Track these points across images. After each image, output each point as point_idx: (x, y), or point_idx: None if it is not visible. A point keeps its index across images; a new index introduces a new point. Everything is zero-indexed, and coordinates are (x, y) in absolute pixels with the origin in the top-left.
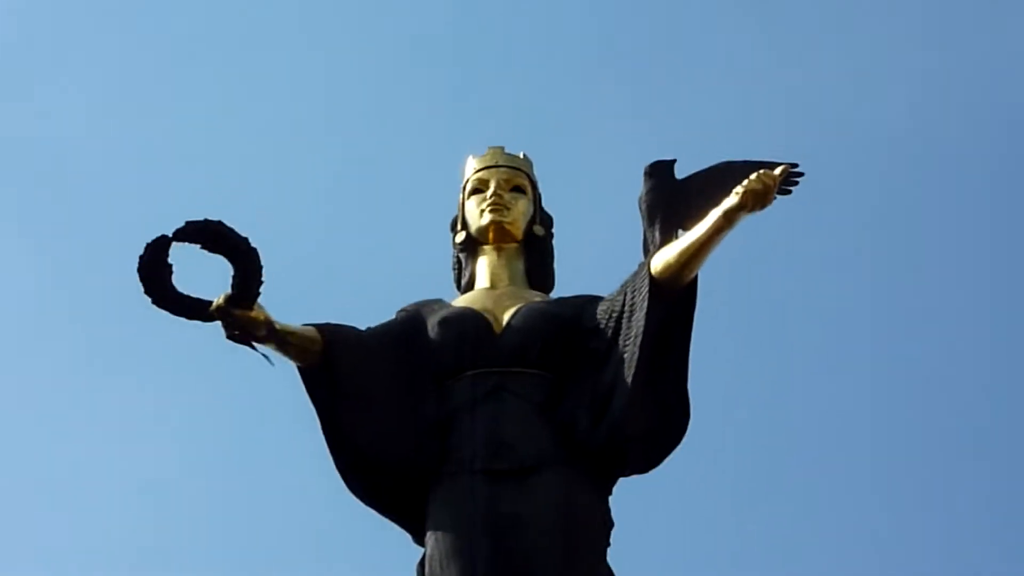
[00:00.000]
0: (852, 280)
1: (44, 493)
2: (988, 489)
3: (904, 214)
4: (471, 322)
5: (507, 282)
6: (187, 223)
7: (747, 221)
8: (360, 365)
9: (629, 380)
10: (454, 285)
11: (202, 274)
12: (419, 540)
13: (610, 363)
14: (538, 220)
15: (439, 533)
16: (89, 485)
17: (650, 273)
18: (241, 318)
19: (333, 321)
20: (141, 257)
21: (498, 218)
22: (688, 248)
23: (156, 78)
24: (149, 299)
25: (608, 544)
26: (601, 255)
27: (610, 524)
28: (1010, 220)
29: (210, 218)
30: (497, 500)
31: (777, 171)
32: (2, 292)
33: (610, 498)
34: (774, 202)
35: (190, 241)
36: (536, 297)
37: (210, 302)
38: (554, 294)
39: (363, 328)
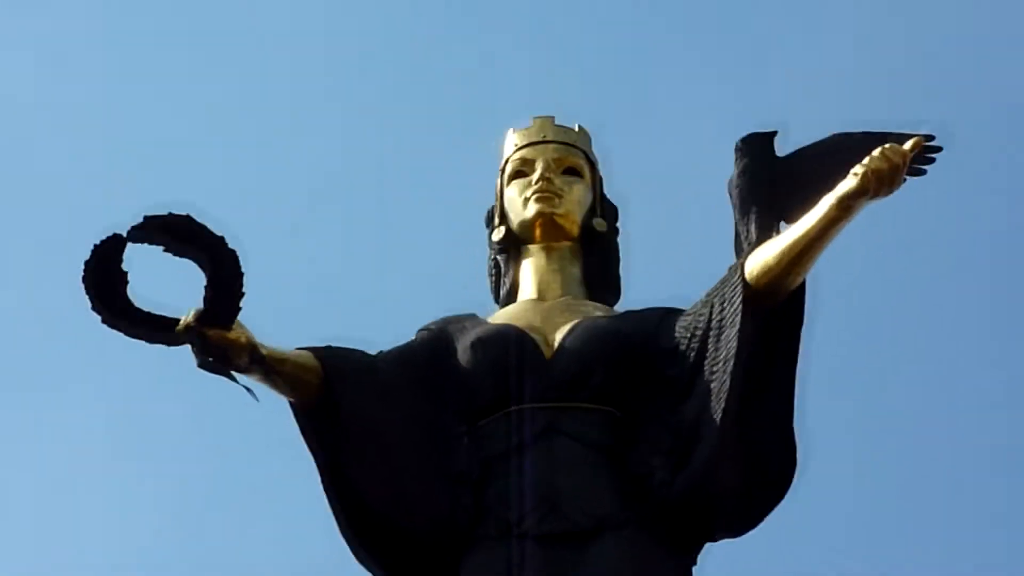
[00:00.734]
0: (999, 282)
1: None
2: None
3: None
4: (513, 343)
5: (559, 291)
6: (146, 218)
7: (869, 209)
8: (371, 401)
9: (718, 418)
10: (491, 295)
11: (167, 283)
12: None
13: (693, 396)
14: (599, 211)
15: None
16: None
17: (744, 278)
18: (217, 340)
19: (335, 344)
20: (87, 263)
21: (547, 209)
22: (793, 246)
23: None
24: (98, 316)
25: None
26: (681, 256)
27: None
28: None
29: (176, 211)
30: (550, 572)
31: (908, 145)
32: None
33: (694, 568)
34: (903, 185)
35: (150, 242)
36: (597, 311)
37: (177, 320)
38: (620, 307)
39: (373, 353)
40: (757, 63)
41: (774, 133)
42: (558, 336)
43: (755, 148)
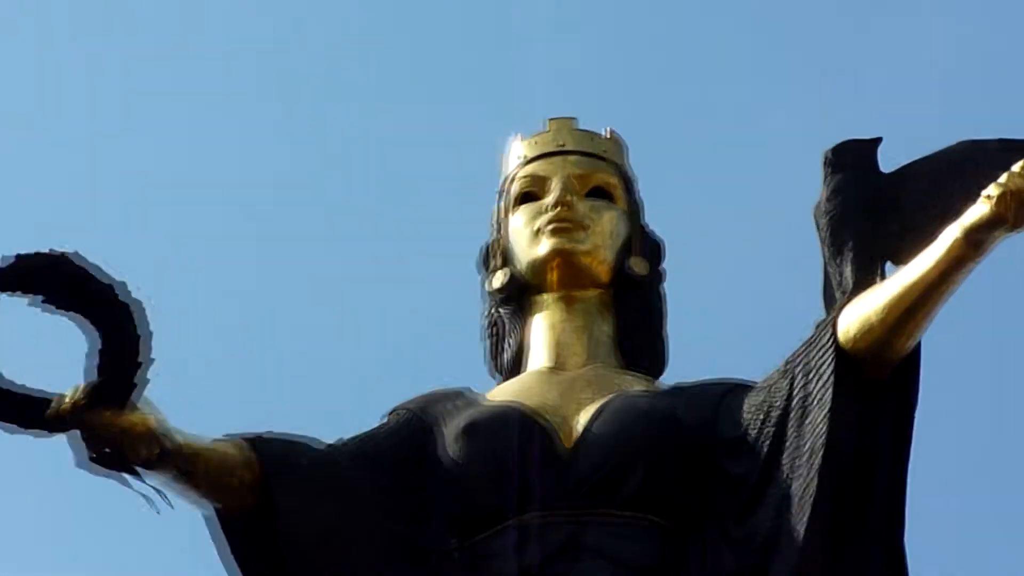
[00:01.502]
0: None
1: None
2: None
3: None
4: (520, 430)
5: (583, 358)
6: (16, 258)
7: (1006, 245)
8: (325, 509)
9: (801, 532)
10: (488, 363)
11: (45, 348)
12: None
13: (766, 502)
14: (637, 248)
15: None
16: None
17: (836, 340)
18: (107, 427)
19: (275, 430)
20: None
21: (567, 244)
22: (903, 296)
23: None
24: None
25: None
26: (748, 309)
27: None
28: None
29: (57, 249)
30: None
31: None
32: None
33: None
34: None
35: (20, 290)
36: (635, 384)
37: (57, 398)
38: (667, 379)
39: (328, 443)
40: (841, 53)
41: (877, 141)
42: (581, 420)
43: (851, 162)
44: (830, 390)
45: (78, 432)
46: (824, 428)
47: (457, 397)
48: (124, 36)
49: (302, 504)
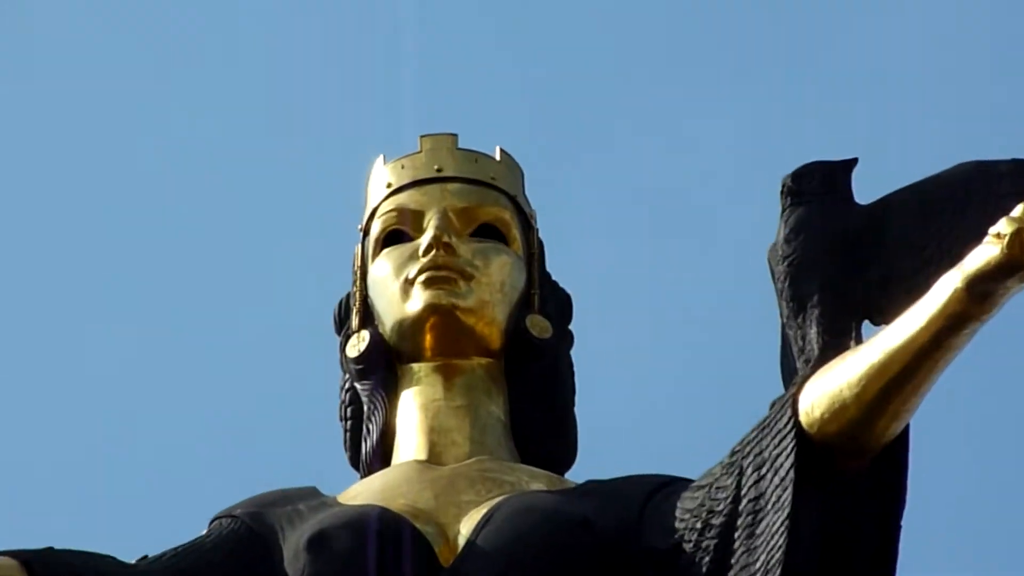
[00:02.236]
0: None
1: None
2: None
3: None
4: (384, 540)
5: (466, 447)
6: None
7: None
8: None
9: None
10: (344, 452)
11: None
12: None
13: None
14: (537, 303)
15: None
16: None
17: (797, 423)
18: None
19: (58, 545)
20: None
21: (446, 300)
22: (886, 365)
23: None
24: None
25: None
26: (682, 380)
27: None
28: None
29: None
30: None
31: None
32: None
33: None
34: None
35: None
36: (534, 481)
37: None
38: (576, 473)
39: (129, 561)
40: (797, 61)
41: (852, 162)
42: (464, 529)
43: (817, 189)
44: (789, 489)
45: None
46: (782, 540)
47: (301, 499)
48: None
49: None
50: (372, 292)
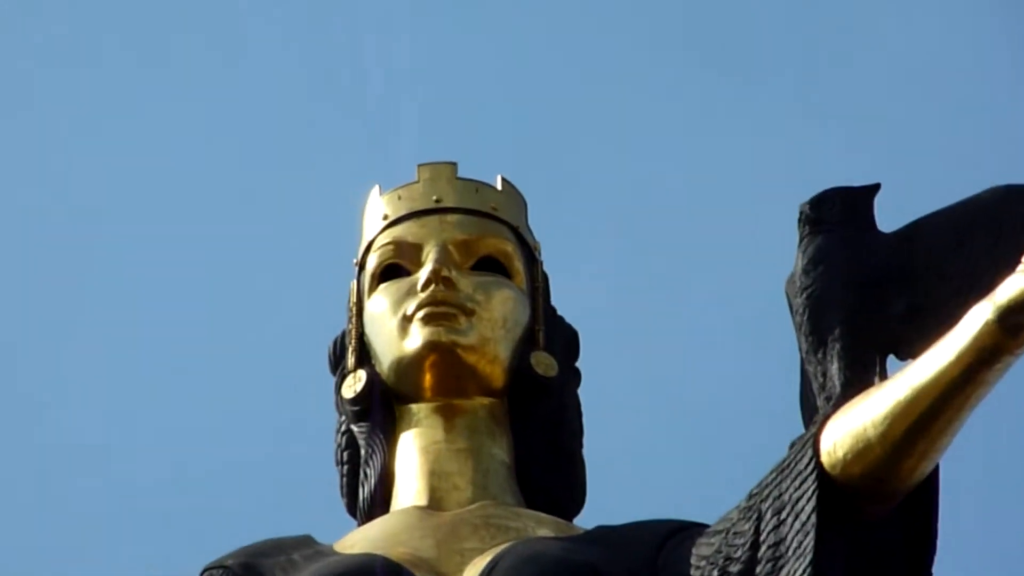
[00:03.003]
0: None
1: None
2: None
3: None
4: None
5: (469, 492)
6: None
7: None
8: None
9: None
10: (340, 499)
11: None
12: None
13: None
14: (542, 340)
15: None
16: None
17: (819, 465)
18: None
19: None
20: None
21: (444, 337)
22: (914, 402)
23: None
24: None
25: None
26: (695, 420)
27: None
28: None
29: None
30: None
31: None
32: None
33: None
34: None
35: None
36: (540, 527)
37: None
38: (585, 519)
39: None
40: (818, 72)
41: (874, 188)
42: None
43: (837, 217)
44: (811, 534)
45: None
46: None
47: (295, 548)
48: None
49: None
50: (369, 329)
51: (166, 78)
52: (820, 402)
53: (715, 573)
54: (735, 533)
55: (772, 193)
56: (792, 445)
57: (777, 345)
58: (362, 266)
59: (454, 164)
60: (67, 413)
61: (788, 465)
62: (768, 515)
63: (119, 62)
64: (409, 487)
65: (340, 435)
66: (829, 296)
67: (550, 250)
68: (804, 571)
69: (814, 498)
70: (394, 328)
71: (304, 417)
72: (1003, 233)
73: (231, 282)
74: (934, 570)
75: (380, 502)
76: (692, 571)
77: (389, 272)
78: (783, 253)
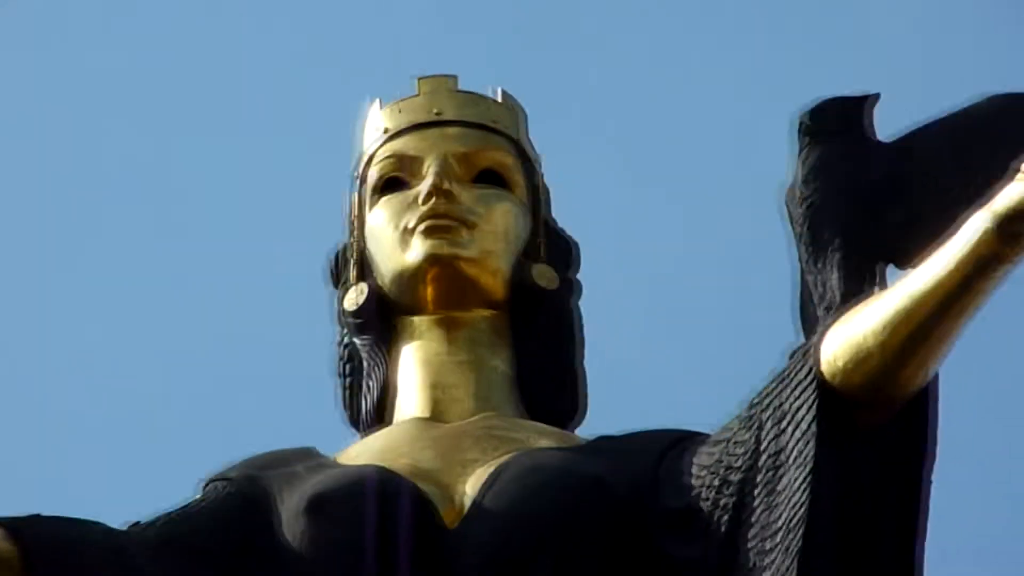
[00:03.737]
0: None
1: None
2: None
3: None
4: (384, 502)
5: (470, 403)
6: None
7: None
8: None
9: None
10: (340, 412)
11: None
12: None
13: None
14: (542, 252)
15: None
16: None
17: (818, 374)
18: None
19: (45, 512)
20: None
21: (447, 249)
22: (913, 310)
23: None
24: None
25: None
26: (693, 328)
27: None
28: None
29: None
30: None
31: None
32: None
33: None
34: None
35: None
36: (542, 438)
37: None
38: (586, 429)
39: (120, 527)
40: None
41: (871, 98)
42: (468, 489)
43: (835, 128)
44: (812, 442)
45: None
46: (804, 496)
47: (297, 459)
48: None
49: None
50: (369, 242)
51: None
52: (819, 312)
53: (716, 482)
54: (736, 443)
55: (770, 100)
56: (792, 355)
57: (775, 255)
58: (363, 180)
59: (454, 77)
60: (64, 326)
61: (788, 375)
62: (768, 424)
63: None
64: (410, 399)
65: (341, 347)
66: (829, 206)
67: (551, 162)
68: (804, 479)
69: (814, 407)
70: (395, 241)
71: (303, 330)
72: (1002, 142)
73: (230, 197)
74: (932, 479)
75: (379, 415)
76: (693, 480)
77: (389, 185)
78: (782, 162)
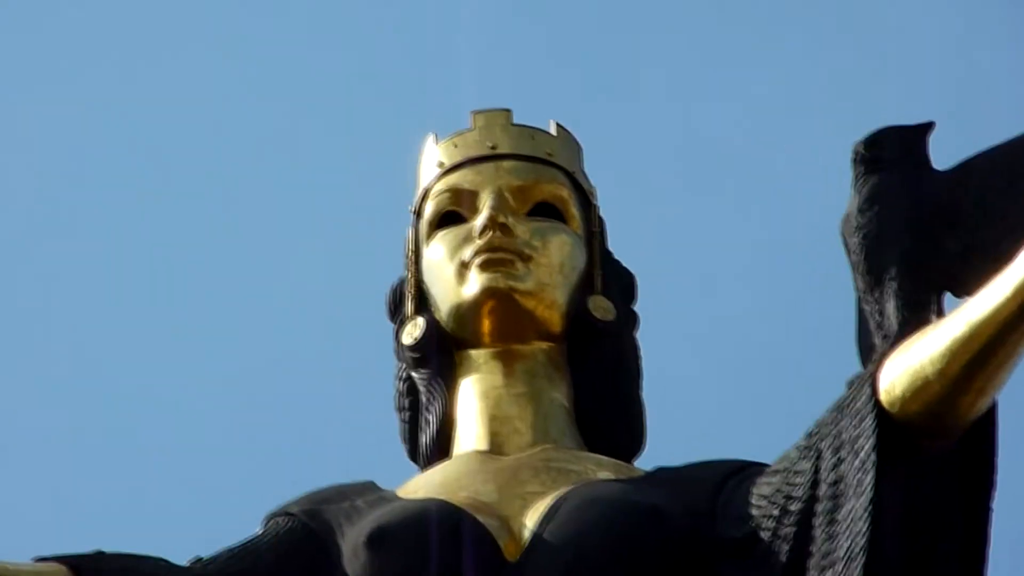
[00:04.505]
0: None
1: None
2: None
3: None
4: (445, 537)
5: (529, 436)
6: None
7: None
8: None
9: None
10: (401, 443)
11: None
12: None
13: None
14: (600, 284)
15: None
16: None
17: (877, 403)
18: None
19: (109, 550)
20: None
21: (503, 283)
22: (971, 338)
23: None
24: None
25: None
26: (754, 361)
27: None
28: None
29: None
30: None
31: None
32: None
33: None
34: None
35: None
36: (601, 470)
37: None
38: (645, 460)
39: (182, 563)
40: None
41: (929, 126)
42: (529, 522)
43: (892, 156)
44: (871, 472)
45: None
46: (865, 526)
47: (359, 494)
48: None
49: None
50: (427, 277)
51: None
52: (877, 340)
53: (776, 512)
54: (795, 472)
55: (827, 131)
56: (850, 384)
57: (834, 285)
58: (419, 214)
59: (509, 111)
60: (129, 362)
61: (846, 403)
62: (827, 454)
63: None
64: (470, 432)
65: (400, 382)
66: (885, 235)
67: (606, 194)
68: (865, 509)
69: (873, 436)
70: (452, 275)
71: (364, 365)
72: None
73: (291, 234)
74: (992, 505)
75: (439, 449)
76: (752, 511)
77: (446, 219)
78: (841, 193)
